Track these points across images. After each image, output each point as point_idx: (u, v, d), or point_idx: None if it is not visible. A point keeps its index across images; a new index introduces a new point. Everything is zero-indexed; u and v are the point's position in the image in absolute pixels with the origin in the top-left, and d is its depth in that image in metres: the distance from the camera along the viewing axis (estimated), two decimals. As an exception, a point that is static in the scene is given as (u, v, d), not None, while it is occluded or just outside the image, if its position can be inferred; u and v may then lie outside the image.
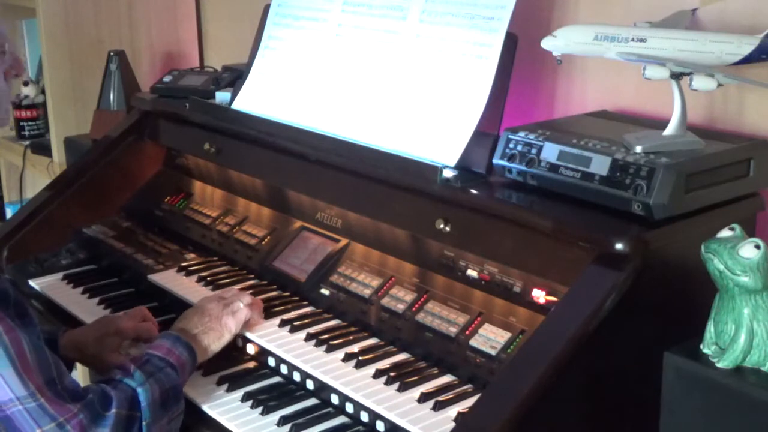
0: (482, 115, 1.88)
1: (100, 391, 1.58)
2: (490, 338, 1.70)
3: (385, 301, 1.88)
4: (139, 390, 1.61)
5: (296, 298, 2.04)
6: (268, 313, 1.95)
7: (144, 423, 1.59)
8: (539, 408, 1.43)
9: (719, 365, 1.35)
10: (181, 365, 1.71)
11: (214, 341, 1.82)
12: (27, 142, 3.49)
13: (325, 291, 2.00)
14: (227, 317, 1.85)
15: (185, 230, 2.40)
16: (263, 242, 2.21)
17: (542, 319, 1.59)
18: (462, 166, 1.86)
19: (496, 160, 1.82)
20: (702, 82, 1.64)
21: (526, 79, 2.13)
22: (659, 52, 1.64)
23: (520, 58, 1.91)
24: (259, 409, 1.71)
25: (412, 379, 1.69)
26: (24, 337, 1.50)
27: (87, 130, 3.09)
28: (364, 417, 1.65)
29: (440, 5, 2.02)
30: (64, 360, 1.91)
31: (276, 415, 1.69)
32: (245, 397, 1.75)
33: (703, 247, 1.37)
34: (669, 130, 1.69)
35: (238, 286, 2.09)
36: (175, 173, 2.60)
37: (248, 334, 1.89)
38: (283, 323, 1.91)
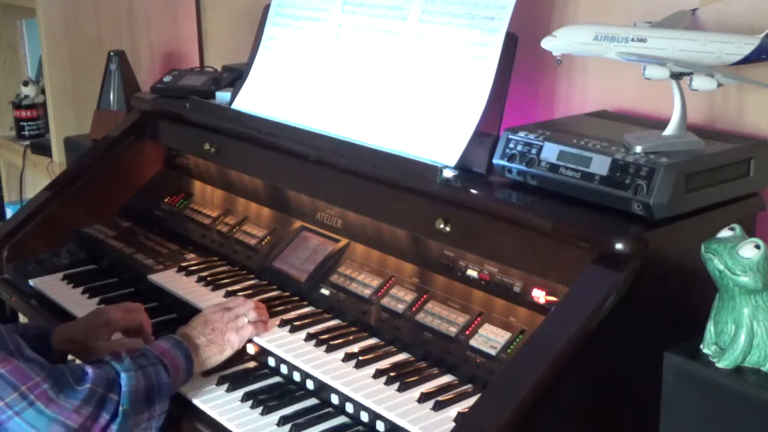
0: (482, 115, 1.88)
1: (78, 367, 1.58)
2: (490, 338, 1.70)
3: (385, 301, 1.88)
4: (123, 375, 1.60)
5: (296, 298, 2.04)
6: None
7: (121, 408, 1.58)
8: (539, 408, 1.43)
9: (719, 365, 1.35)
10: (174, 368, 1.70)
11: (215, 355, 1.81)
12: (27, 142, 3.49)
13: (325, 291, 1.99)
14: (231, 333, 1.83)
15: (185, 230, 2.40)
16: (263, 242, 2.21)
17: (542, 319, 1.59)
18: (462, 166, 1.86)
19: (496, 160, 1.81)
20: (702, 82, 1.64)
21: (526, 79, 2.13)
22: (659, 52, 1.64)
23: (520, 58, 1.91)
24: (259, 409, 1.71)
25: (412, 379, 1.69)
26: None
27: (87, 130, 3.09)
28: (364, 417, 1.65)
29: (440, 5, 2.02)
30: (57, 353, 1.92)
31: (276, 415, 1.69)
32: (245, 397, 1.75)
33: (703, 247, 1.36)
34: (669, 130, 1.69)
35: (238, 286, 2.09)
36: (175, 173, 2.60)
37: (248, 334, 1.89)
38: (283, 323, 1.91)
